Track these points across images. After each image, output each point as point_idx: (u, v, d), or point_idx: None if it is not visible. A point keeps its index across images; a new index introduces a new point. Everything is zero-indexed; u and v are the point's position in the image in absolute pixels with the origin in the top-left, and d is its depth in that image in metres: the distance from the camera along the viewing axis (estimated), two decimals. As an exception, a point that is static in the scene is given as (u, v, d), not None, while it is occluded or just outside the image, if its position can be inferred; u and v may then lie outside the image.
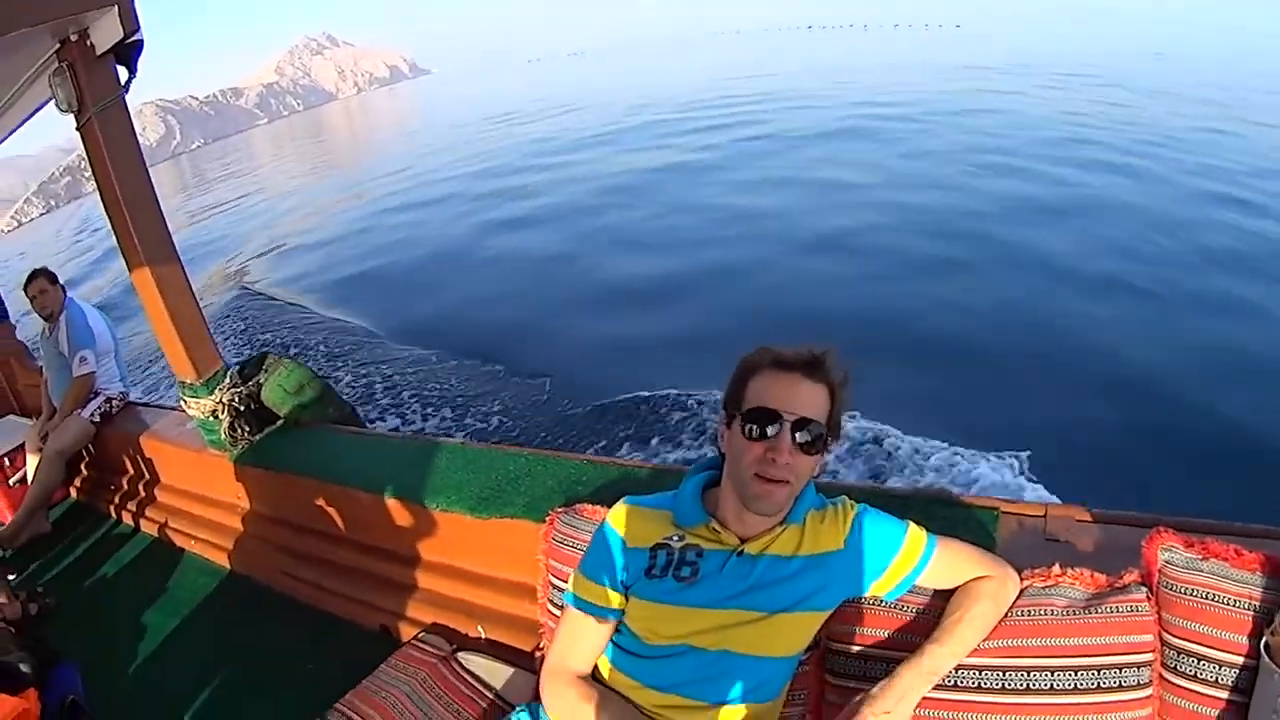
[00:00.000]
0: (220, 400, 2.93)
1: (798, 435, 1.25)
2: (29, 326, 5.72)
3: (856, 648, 1.39)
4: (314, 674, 2.51)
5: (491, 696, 1.96)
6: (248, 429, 2.98)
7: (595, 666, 1.42)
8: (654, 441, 6.33)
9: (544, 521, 1.79)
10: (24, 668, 2.79)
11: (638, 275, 10.51)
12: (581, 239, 12.79)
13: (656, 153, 19.00)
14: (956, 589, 1.33)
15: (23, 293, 4.23)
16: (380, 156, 35.47)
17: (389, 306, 11.10)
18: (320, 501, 2.75)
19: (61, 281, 4.30)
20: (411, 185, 21.95)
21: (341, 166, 35.37)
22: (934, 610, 1.34)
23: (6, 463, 4.30)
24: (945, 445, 5.63)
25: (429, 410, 7.62)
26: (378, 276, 13.14)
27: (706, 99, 29.38)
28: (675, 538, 1.37)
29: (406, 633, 2.45)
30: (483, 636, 2.30)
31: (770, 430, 1.25)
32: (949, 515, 1.65)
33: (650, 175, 16.56)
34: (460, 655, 2.14)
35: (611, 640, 1.41)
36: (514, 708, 1.58)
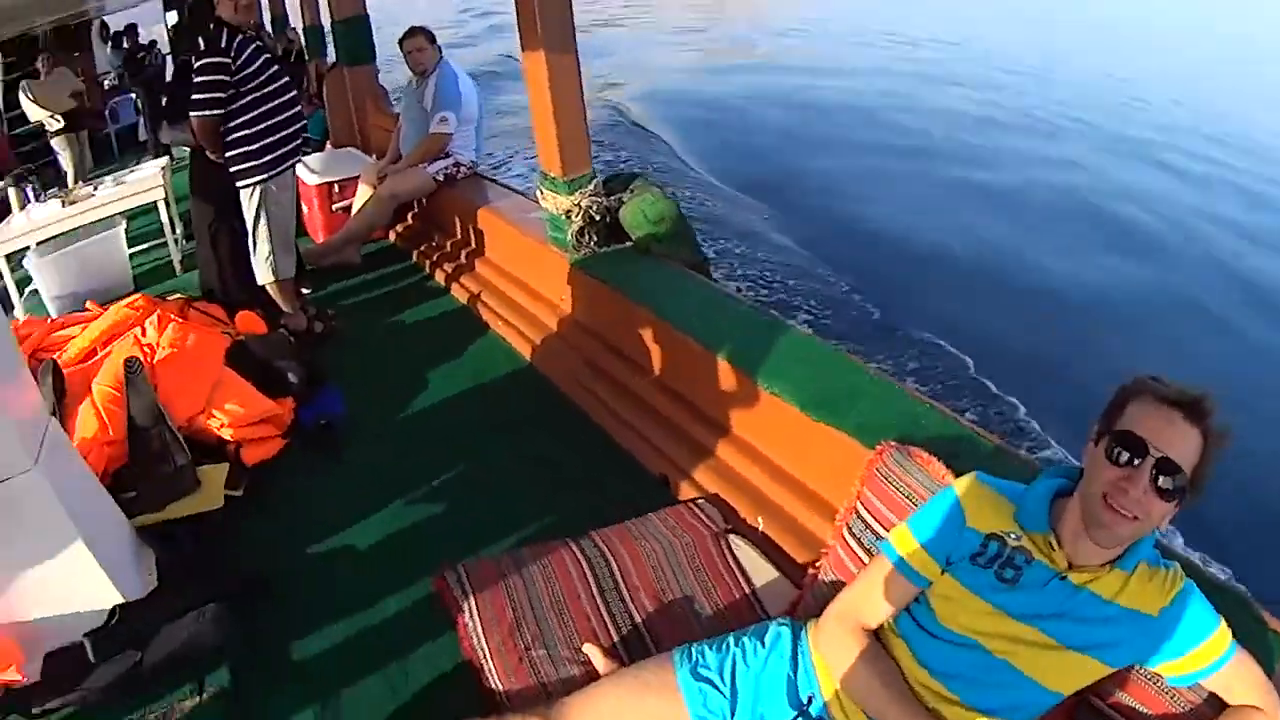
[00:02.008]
0: (578, 203, 2.94)
1: (1159, 476, 1.19)
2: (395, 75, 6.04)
3: (1114, 714, 1.36)
4: (578, 490, 2.51)
5: (749, 591, 1.90)
6: (595, 239, 3.00)
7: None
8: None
9: (872, 449, 1.74)
10: (291, 377, 3.01)
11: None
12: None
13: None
14: (1228, 706, 1.29)
15: (397, 45, 4.39)
16: None
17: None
18: (647, 333, 2.72)
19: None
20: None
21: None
22: (1198, 715, 1.31)
23: (335, 189, 4.60)
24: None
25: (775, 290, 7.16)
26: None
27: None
28: (1013, 535, 1.36)
29: (685, 492, 2.42)
30: (760, 528, 2.22)
31: (1134, 460, 1.20)
32: (1243, 626, 1.39)
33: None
34: (732, 537, 2.08)
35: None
36: (769, 616, 1.59)
